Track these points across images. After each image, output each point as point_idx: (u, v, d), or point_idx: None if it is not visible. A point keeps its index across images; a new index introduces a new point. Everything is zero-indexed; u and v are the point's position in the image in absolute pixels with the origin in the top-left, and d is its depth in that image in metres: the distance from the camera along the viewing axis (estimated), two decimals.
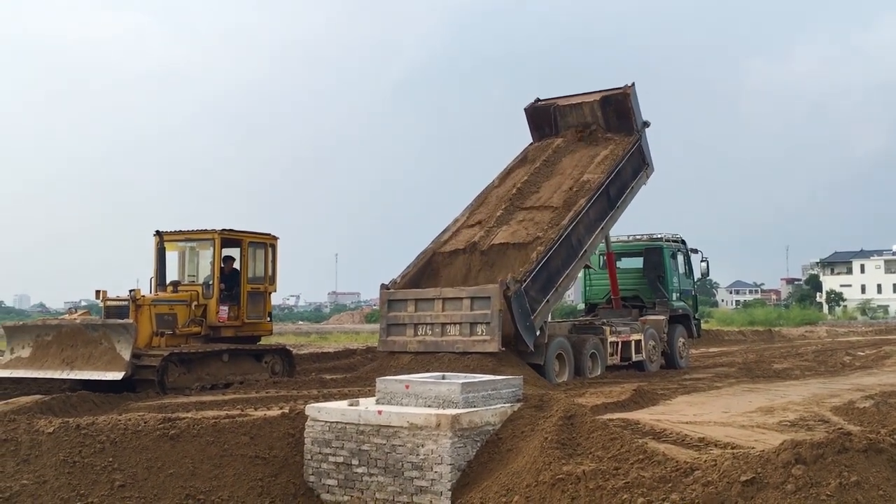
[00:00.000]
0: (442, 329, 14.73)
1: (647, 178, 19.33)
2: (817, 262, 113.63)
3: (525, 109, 20.25)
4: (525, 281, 14.67)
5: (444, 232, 17.53)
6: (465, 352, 14.19)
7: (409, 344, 15.05)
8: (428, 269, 16.71)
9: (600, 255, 20.29)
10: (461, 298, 14.69)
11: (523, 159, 19.41)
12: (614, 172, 17.68)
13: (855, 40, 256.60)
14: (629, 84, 19.12)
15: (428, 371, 12.81)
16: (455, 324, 14.59)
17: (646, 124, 19.30)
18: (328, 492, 8.46)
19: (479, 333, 14.26)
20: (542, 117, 20.06)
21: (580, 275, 21.83)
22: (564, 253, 16.16)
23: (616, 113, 19.16)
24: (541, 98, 20.41)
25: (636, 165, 18.88)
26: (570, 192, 17.09)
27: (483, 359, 13.85)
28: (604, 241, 18.95)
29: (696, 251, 22.02)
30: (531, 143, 20.08)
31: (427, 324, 14.98)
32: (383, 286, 16.00)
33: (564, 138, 19.44)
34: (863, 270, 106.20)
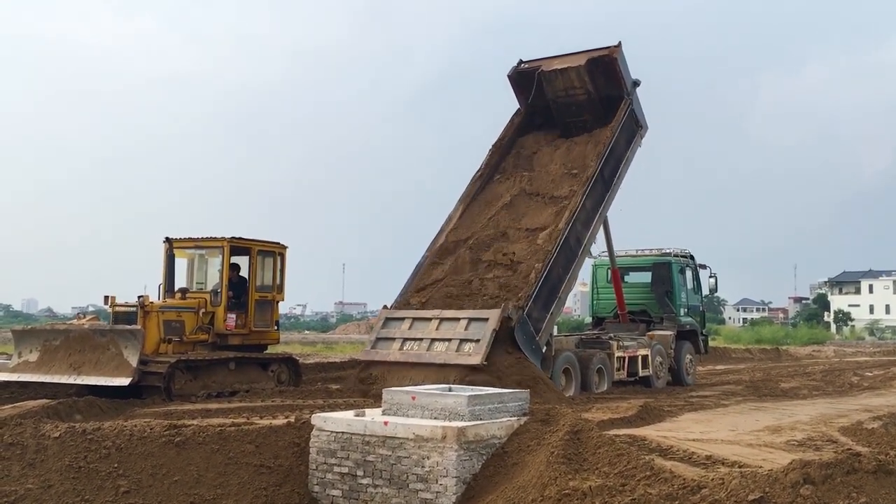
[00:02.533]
0: (430, 344, 14.41)
1: (642, 139, 18.65)
2: (825, 282, 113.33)
3: (508, 75, 19.14)
4: (527, 305, 14.50)
5: (433, 241, 17.15)
6: (446, 363, 13.84)
7: (390, 355, 14.71)
8: (423, 289, 16.30)
9: (607, 269, 20.26)
10: (459, 319, 14.42)
11: (499, 165, 18.50)
12: (606, 153, 17.02)
13: (866, 59, 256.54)
14: (615, 45, 18.17)
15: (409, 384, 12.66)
16: (444, 340, 14.26)
17: (636, 84, 18.44)
18: (332, 502, 8.42)
19: (466, 351, 13.90)
20: (527, 82, 18.96)
21: (588, 289, 21.72)
22: (564, 258, 15.78)
23: (604, 76, 18.32)
24: (524, 60, 19.25)
25: (629, 133, 18.11)
26: (559, 209, 16.49)
27: (468, 373, 13.39)
28: (604, 229, 18.42)
29: (704, 267, 21.97)
30: (517, 111, 19.24)
31: (415, 339, 14.65)
32: (385, 307, 15.91)
33: (538, 152, 18.46)
34: (871, 290, 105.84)
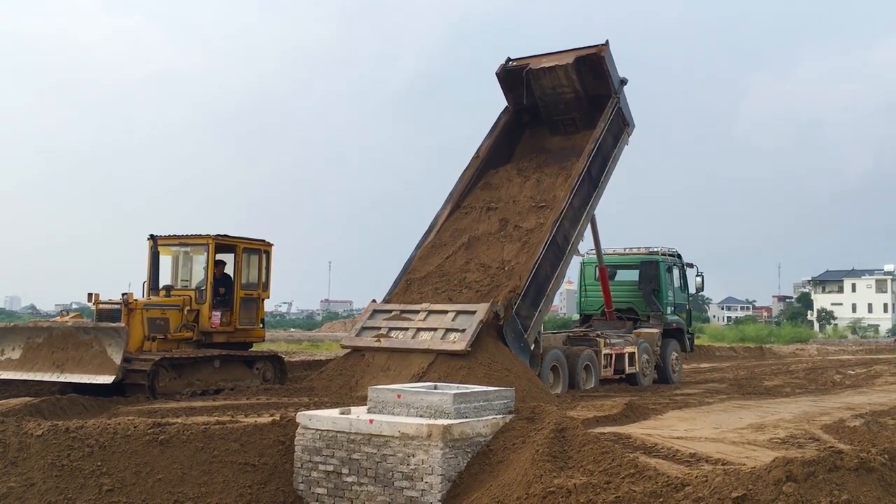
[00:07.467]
0: (415, 333, 14.43)
1: (629, 137, 18.74)
2: (809, 281, 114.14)
3: (497, 73, 19.13)
4: (516, 302, 14.51)
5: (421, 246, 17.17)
6: (429, 349, 13.83)
7: (374, 342, 14.69)
8: (411, 285, 16.37)
9: (595, 267, 20.32)
10: (447, 312, 14.46)
11: (481, 180, 18.39)
12: (594, 151, 17.07)
13: (851, 61, 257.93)
14: (603, 44, 18.25)
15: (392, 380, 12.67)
16: (430, 330, 14.28)
17: (623, 82, 18.55)
18: (317, 501, 8.41)
19: (451, 339, 13.89)
20: (515, 80, 18.97)
21: (575, 287, 21.76)
22: (552, 256, 15.82)
23: (592, 75, 18.42)
24: (512, 58, 19.32)
25: (616, 131, 18.19)
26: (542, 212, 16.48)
27: (452, 363, 13.43)
28: (592, 227, 18.43)
29: (691, 266, 22.09)
30: (505, 108, 19.28)
31: (401, 328, 14.67)
32: (374, 301, 15.92)
33: (518, 168, 18.41)
34: (854, 289, 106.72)
